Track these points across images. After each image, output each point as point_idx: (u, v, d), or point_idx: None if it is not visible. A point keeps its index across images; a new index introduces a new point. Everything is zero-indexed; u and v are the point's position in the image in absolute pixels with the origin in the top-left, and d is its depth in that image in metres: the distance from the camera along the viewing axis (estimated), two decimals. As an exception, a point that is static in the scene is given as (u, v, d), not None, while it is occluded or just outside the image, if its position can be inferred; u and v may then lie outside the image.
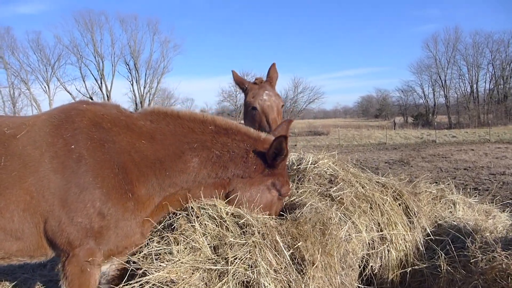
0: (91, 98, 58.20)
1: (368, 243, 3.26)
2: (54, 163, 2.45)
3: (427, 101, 64.10)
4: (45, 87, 57.31)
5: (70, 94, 58.25)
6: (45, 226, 2.44)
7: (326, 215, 3.01)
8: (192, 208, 2.74)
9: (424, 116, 62.30)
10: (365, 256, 3.27)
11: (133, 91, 61.11)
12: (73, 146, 2.48)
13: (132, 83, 60.66)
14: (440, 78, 60.06)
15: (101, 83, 58.73)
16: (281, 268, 2.59)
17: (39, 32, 74.39)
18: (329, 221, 2.96)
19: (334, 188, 3.44)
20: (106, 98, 58.36)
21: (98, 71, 58.36)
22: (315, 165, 3.84)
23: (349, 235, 3.08)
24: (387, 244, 3.31)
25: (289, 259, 2.64)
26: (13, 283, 5.09)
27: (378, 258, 3.30)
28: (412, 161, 17.60)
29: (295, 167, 3.99)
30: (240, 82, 4.28)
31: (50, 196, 2.41)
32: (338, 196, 3.36)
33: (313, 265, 2.66)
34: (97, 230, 2.44)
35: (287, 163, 4.11)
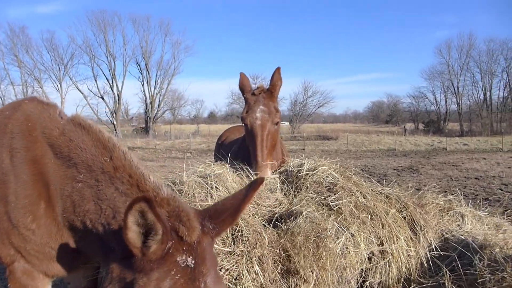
0: (102, 98, 58.86)
1: (367, 257, 3.04)
2: None
3: (438, 108, 63.10)
4: (57, 85, 58.07)
5: (82, 93, 58.82)
6: None
7: (321, 226, 2.81)
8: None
9: (435, 123, 61.38)
10: (363, 271, 3.05)
11: (144, 91, 61.43)
12: None
13: (143, 83, 61.04)
14: (453, 85, 59.05)
15: (112, 83, 59.12)
16: (269, 283, 2.40)
17: (53, 32, 75.47)
18: (324, 232, 2.76)
19: (333, 197, 3.24)
20: (117, 98, 58.90)
21: (109, 71, 58.78)
22: (314, 172, 3.64)
23: (346, 248, 2.88)
24: (388, 259, 3.09)
25: (278, 273, 2.46)
26: None
27: (378, 274, 3.07)
28: (422, 169, 17.20)
29: (294, 173, 3.80)
30: (241, 89, 4.07)
31: None
32: (336, 206, 3.15)
33: (305, 281, 2.46)
34: (19, 249, 2.15)
35: (288, 168, 3.94)
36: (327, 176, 3.54)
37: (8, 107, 2.46)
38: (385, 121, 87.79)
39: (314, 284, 2.54)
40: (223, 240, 2.54)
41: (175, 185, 3.06)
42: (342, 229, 2.97)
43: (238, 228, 2.58)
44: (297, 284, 2.49)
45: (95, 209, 1.94)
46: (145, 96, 61.35)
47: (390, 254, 3.11)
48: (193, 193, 2.84)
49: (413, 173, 15.96)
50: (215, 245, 2.42)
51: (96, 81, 58.94)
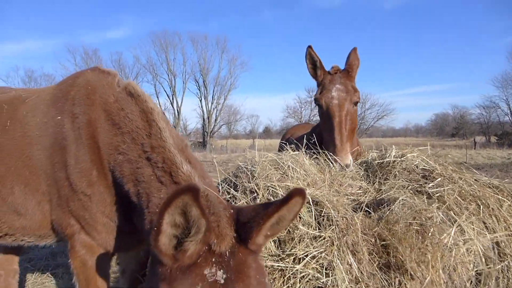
0: (163, 113, 61.88)
1: (482, 257, 2.46)
2: (44, 135, 2.16)
3: (514, 118, 57.65)
4: (123, 103, 62.31)
5: (145, 109, 62.44)
6: (47, 205, 2.16)
7: (424, 214, 2.31)
8: (257, 187, 2.24)
9: (510, 135, 55.91)
10: (477, 274, 2.46)
11: (201, 107, 63.52)
12: (59, 117, 2.15)
13: (201, 99, 63.25)
14: (530, 93, 53.79)
15: (172, 99, 62.11)
16: (365, 277, 1.95)
17: (121, 53, 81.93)
18: (429, 221, 2.26)
19: (431, 184, 2.71)
20: (176, 113, 61.64)
21: (170, 88, 61.89)
22: (402, 159, 3.14)
23: (456, 245, 2.33)
24: (507, 261, 2.48)
25: (376, 266, 2.00)
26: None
27: (494, 279, 2.47)
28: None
29: (376, 162, 3.31)
30: (312, 67, 3.64)
31: (43, 174, 2.13)
32: (437, 193, 2.62)
33: (411, 278, 1.98)
34: (78, 219, 2.03)
35: (368, 160, 3.46)
36: (419, 163, 3.02)
37: (72, 76, 2.46)
38: (451, 134, 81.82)
39: (420, 283, 2.04)
40: (307, 222, 2.15)
41: (246, 167, 2.74)
42: (449, 220, 2.43)
43: (323, 211, 2.18)
44: (400, 282, 2.01)
45: (134, 191, 1.78)
46: (202, 111, 63.42)
47: (509, 255, 2.50)
48: (267, 174, 2.50)
49: (493, 185, 14.32)
50: (299, 226, 2.05)
51: (158, 97, 62.28)
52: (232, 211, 1.46)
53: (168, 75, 61.73)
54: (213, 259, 1.32)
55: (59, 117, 2.14)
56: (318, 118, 3.76)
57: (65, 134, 2.08)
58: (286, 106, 64.50)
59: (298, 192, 1.30)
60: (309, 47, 3.49)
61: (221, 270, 1.31)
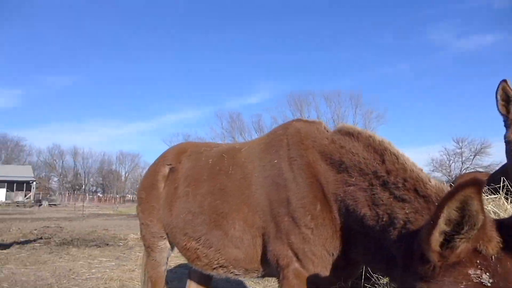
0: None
1: None
2: (261, 176, 2.53)
3: None
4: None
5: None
6: (259, 240, 2.47)
7: None
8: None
9: None
10: None
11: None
12: (276, 161, 2.49)
13: (336, 155, 63.06)
14: None
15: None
16: None
17: (260, 115, 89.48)
18: None
19: None
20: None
21: (304, 145, 63.91)
22: None
23: None
24: None
25: None
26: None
27: None
28: None
29: None
30: (504, 103, 3.28)
31: (260, 211, 2.45)
32: None
33: None
34: (296, 251, 2.22)
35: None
36: None
37: (279, 128, 2.85)
38: None
39: None
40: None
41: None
42: None
43: None
44: None
45: (371, 214, 1.89)
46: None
47: None
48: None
49: None
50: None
51: (293, 154, 64.76)
52: (492, 219, 1.40)
53: (302, 133, 64.08)
54: (478, 261, 1.27)
55: (276, 161, 2.49)
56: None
57: (284, 176, 2.40)
58: (431, 159, 58.90)
59: None
60: (504, 81, 3.20)
61: (487, 274, 1.25)
